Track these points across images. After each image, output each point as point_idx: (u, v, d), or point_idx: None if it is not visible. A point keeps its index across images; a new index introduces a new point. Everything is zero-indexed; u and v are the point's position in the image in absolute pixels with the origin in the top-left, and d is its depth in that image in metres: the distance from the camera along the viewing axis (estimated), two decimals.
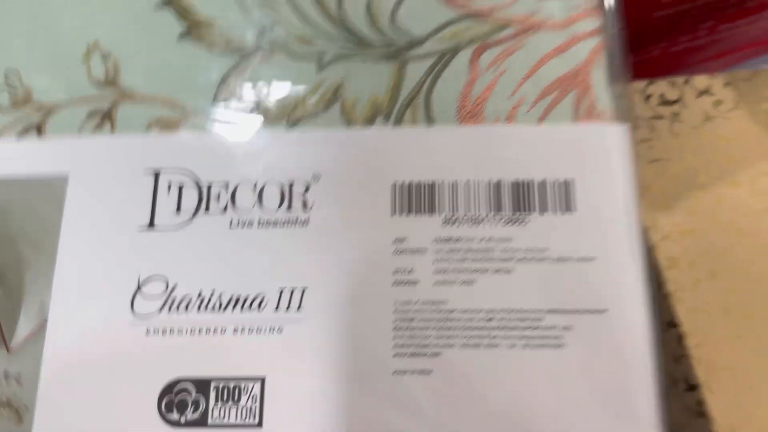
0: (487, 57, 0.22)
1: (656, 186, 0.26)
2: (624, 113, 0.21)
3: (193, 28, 0.23)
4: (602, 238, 0.20)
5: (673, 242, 0.26)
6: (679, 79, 0.28)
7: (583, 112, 0.21)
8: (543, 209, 0.20)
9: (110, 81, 0.23)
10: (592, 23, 0.22)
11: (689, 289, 0.25)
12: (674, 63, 0.35)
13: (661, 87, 0.28)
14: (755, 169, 0.27)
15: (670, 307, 0.25)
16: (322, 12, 0.23)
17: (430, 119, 0.21)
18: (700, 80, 0.29)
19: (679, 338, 0.24)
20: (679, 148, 0.27)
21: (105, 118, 0.22)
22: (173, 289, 0.20)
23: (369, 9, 0.22)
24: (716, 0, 0.29)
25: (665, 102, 0.28)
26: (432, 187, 0.21)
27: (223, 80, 0.22)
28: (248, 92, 0.22)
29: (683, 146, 0.27)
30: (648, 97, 0.28)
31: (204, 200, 0.21)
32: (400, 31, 0.22)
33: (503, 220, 0.20)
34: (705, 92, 0.28)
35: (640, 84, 0.28)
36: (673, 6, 0.31)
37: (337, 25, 0.22)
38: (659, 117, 0.28)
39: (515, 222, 0.20)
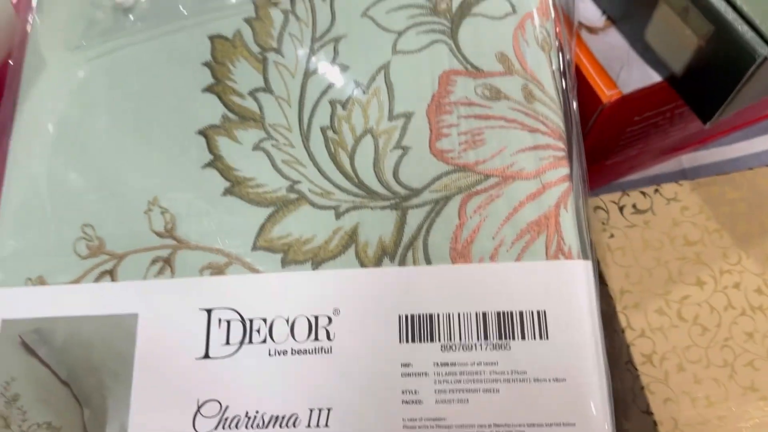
0: (473, 204, 0.26)
1: (630, 290, 0.31)
2: (587, 250, 0.25)
3: (235, 185, 0.28)
4: (571, 362, 0.24)
5: (646, 340, 0.30)
6: (650, 189, 0.33)
7: (554, 250, 0.25)
8: (522, 336, 0.25)
9: (168, 232, 0.28)
10: (559, 172, 0.26)
11: (661, 382, 0.29)
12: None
13: (634, 197, 0.33)
14: (718, 268, 0.31)
15: (646, 397, 0.29)
16: (338, 170, 0.28)
17: (427, 259, 0.26)
18: (668, 188, 0.33)
19: (654, 424, 0.28)
20: (650, 254, 0.31)
21: (166, 265, 0.27)
22: (225, 410, 0.25)
23: (375, 167, 0.27)
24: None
25: (637, 211, 0.32)
26: (431, 318, 0.25)
27: (261, 229, 0.27)
28: (280, 238, 0.27)
29: (654, 252, 0.31)
30: (622, 208, 0.32)
31: (248, 333, 0.26)
32: (401, 184, 0.27)
33: (490, 346, 0.25)
34: (673, 199, 0.33)
35: (615, 195, 0.33)
36: (640, 123, 0.35)
37: (350, 180, 0.27)
38: (632, 225, 0.32)
39: (500, 348, 0.25)
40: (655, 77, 0.33)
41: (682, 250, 0.32)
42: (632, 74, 0.33)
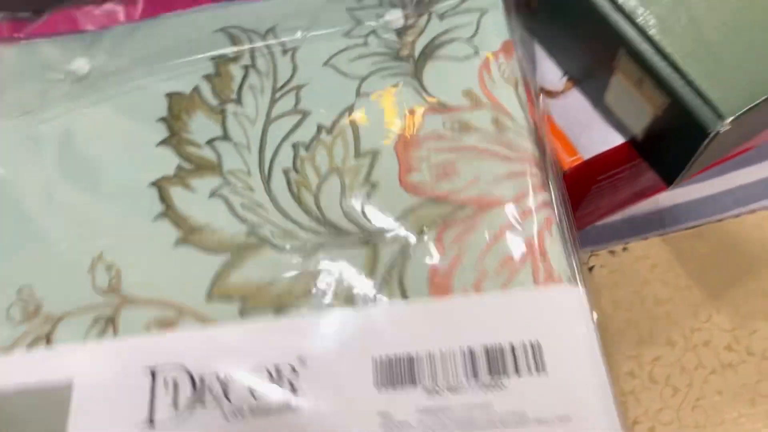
0: (449, 235, 0.24)
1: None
2: (576, 276, 0.23)
3: (189, 234, 0.26)
4: (574, 397, 0.21)
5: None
6: (618, 248, 0.31)
7: (542, 277, 0.23)
8: (516, 372, 0.21)
9: (113, 288, 0.25)
10: (538, 198, 0.25)
11: None
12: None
13: (602, 258, 0.31)
14: (688, 326, 0.29)
15: None
16: (302, 209, 0.25)
17: (403, 294, 0.23)
18: (637, 246, 0.31)
19: None
20: (621, 315, 0.29)
21: (108, 323, 0.24)
22: None
23: (342, 204, 0.25)
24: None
25: (607, 272, 0.30)
26: (410, 358, 0.22)
27: (216, 277, 0.25)
28: (237, 285, 0.24)
29: (624, 313, 0.29)
30: (591, 269, 0.30)
31: (199, 393, 0.22)
32: (370, 219, 0.25)
33: (481, 386, 0.21)
34: (642, 257, 0.31)
35: (583, 256, 0.31)
36: (606, 179, 0.34)
37: (315, 220, 0.25)
38: (603, 286, 0.30)
39: (493, 387, 0.21)
40: (617, 139, 0.32)
41: (652, 310, 0.30)
42: (593, 137, 0.32)
